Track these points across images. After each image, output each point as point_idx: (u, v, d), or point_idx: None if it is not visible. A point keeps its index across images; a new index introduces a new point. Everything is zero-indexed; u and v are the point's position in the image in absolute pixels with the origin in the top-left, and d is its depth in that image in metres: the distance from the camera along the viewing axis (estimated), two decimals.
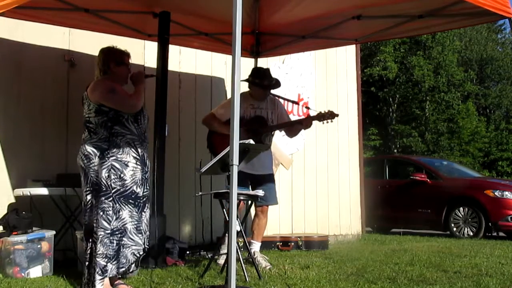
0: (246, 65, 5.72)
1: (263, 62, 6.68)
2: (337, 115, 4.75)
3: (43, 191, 4.49)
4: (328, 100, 7.96)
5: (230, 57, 5.56)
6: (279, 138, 6.90)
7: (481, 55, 31.44)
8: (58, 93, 5.12)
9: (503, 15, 4.18)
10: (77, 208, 4.54)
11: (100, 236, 3.45)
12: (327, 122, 4.72)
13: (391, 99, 27.85)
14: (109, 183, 3.49)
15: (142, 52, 5.76)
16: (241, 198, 4.21)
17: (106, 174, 3.50)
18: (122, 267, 3.49)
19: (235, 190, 2.85)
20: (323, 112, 4.75)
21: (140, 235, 3.57)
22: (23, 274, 3.94)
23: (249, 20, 5.51)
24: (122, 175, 3.52)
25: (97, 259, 3.43)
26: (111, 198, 3.49)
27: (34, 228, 4.17)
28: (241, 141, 3.41)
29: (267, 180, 4.81)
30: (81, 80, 4.34)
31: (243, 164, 3.79)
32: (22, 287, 3.63)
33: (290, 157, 7.36)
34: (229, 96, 6.01)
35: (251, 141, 3.88)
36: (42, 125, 5.00)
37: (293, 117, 6.25)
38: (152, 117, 4.62)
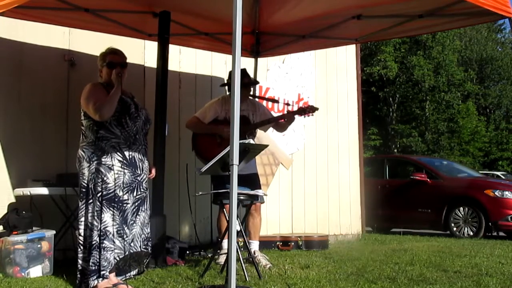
0: (246, 65, 5.71)
1: (263, 62, 6.69)
2: (317, 109, 4.94)
3: (43, 190, 4.49)
4: (328, 99, 7.96)
5: (230, 57, 5.56)
6: (279, 138, 6.91)
7: (481, 55, 31.46)
8: (58, 93, 5.12)
9: (503, 15, 4.18)
10: (77, 208, 4.53)
11: (82, 239, 3.54)
12: (308, 116, 4.93)
13: (391, 99, 27.87)
14: (92, 187, 3.55)
15: (142, 52, 5.76)
16: (241, 198, 4.21)
17: (90, 178, 3.57)
18: (103, 270, 3.49)
19: (235, 190, 2.85)
20: (303, 106, 5.01)
21: (121, 238, 3.57)
22: (23, 274, 3.94)
23: (249, 20, 5.51)
24: (105, 178, 3.55)
25: (83, 262, 3.51)
26: (94, 201, 3.53)
27: (34, 228, 4.17)
28: (241, 141, 3.42)
29: (253, 179, 4.88)
30: (81, 80, 4.34)
31: (242, 164, 3.79)
32: (22, 287, 3.62)
33: (290, 157, 7.37)
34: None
35: (251, 141, 3.89)
36: (42, 125, 5.00)
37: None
38: (152, 117, 4.63)
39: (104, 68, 3.77)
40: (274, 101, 6.03)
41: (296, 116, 4.95)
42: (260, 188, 4.89)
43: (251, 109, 4.99)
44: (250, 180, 4.74)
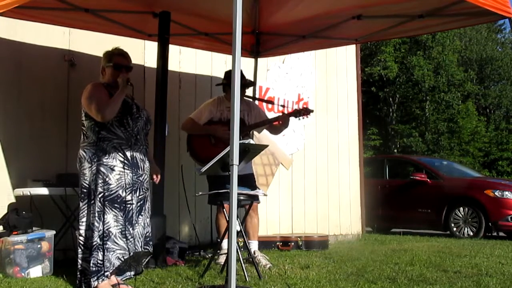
0: (246, 65, 5.72)
1: (263, 62, 6.69)
2: (312, 111, 4.91)
3: (43, 191, 4.49)
4: (328, 100, 7.97)
5: (230, 57, 5.57)
6: (279, 138, 6.91)
7: (481, 55, 31.43)
8: (58, 93, 5.12)
9: (503, 15, 4.19)
10: (77, 208, 4.53)
11: (83, 240, 3.53)
12: (303, 118, 4.89)
13: (391, 99, 27.86)
14: (94, 187, 3.53)
15: (142, 52, 5.76)
16: (241, 198, 4.21)
17: (92, 178, 3.54)
18: (107, 271, 3.48)
19: (235, 190, 2.85)
20: (298, 108, 4.97)
21: (125, 239, 3.55)
22: (23, 274, 3.94)
23: (249, 20, 5.52)
24: (107, 179, 3.53)
25: (83, 263, 3.51)
26: (96, 202, 3.51)
27: (34, 228, 4.17)
28: (241, 141, 3.43)
29: (250, 179, 4.87)
30: (81, 80, 4.34)
31: (242, 164, 3.79)
32: (22, 287, 3.62)
33: (290, 157, 7.37)
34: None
35: (251, 141, 3.89)
36: (42, 125, 5.00)
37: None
38: (152, 117, 4.63)
39: (108, 69, 3.74)
40: (270, 102, 6.02)
41: (292, 118, 4.93)
42: (257, 188, 4.89)
43: (246, 109, 4.97)
44: (248, 180, 4.73)
